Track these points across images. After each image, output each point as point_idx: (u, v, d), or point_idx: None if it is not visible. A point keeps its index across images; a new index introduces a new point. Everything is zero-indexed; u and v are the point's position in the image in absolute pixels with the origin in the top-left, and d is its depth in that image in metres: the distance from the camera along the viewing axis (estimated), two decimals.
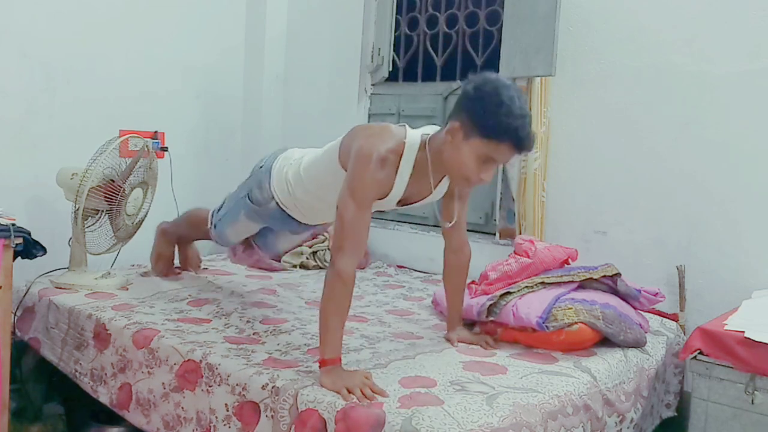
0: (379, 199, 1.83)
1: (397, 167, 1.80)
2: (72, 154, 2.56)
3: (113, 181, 2.49)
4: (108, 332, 2.13)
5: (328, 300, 1.70)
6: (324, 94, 3.58)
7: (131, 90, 3.13)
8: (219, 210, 2.46)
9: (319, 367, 1.68)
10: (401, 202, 1.93)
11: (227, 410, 1.76)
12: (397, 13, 3.43)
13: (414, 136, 1.84)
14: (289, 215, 2.24)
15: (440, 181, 1.92)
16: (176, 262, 2.85)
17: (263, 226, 2.40)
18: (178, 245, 2.82)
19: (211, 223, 2.48)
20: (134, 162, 2.55)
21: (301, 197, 2.12)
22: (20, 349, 2.42)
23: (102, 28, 3.03)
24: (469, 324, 2.17)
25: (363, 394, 1.57)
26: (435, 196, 1.97)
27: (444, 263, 2.12)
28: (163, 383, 1.93)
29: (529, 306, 2.04)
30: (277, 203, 2.21)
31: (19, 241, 2.09)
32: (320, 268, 3.08)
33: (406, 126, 1.87)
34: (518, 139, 1.66)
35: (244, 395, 1.72)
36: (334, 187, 1.83)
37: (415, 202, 1.97)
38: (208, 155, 3.53)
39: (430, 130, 1.87)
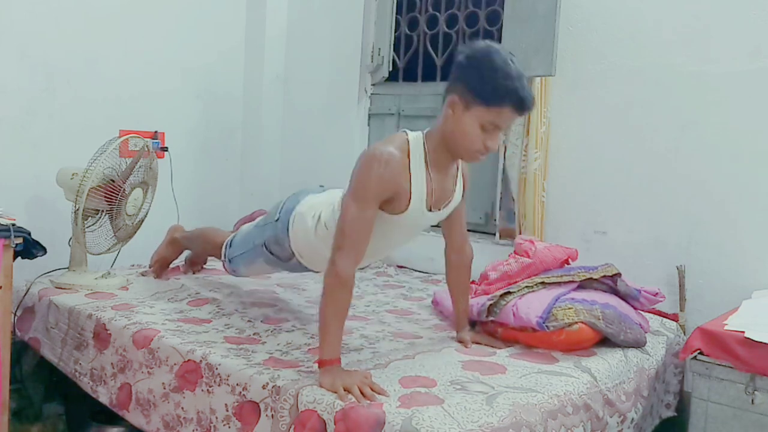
0: (403, 209, 1.79)
1: (409, 166, 1.77)
2: (72, 154, 2.57)
3: (113, 181, 2.49)
4: (108, 332, 2.13)
5: (328, 301, 1.69)
6: (324, 94, 3.58)
7: (131, 90, 3.13)
8: (232, 244, 2.37)
9: (318, 367, 1.68)
10: (433, 207, 1.86)
11: (227, 410, 1.76)
12: (397, 13, 3.43)
13: (415, 133, 1.83)
14: (311, 269, 2.21)
15: (457, 173, 1.91)
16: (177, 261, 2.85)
17: (282, 270, 2.36)
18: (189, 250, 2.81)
19: (225, 256, 2.39)
20: (134, 162, 2.55)
21: (326, 253, 1.85)
22: (20, 349, 2.42)
23: (102, 28, 3.03)
24: (470, 324, 2.17)
25: (362, 393, 1.57)
26: (459, 193, 1.94)
27: (446, 264, 2.10)
28: (163, 383, 1.93)
29: (529, 306, 2.04)
30: (298, 260, 2.16)
31: (19, 241, 2.09)
32: None
33: (405, 130, 1.86)
34: (519, 100, 1.66)
35: (244, 395, 1.72)
36: None
37: (447, 203, 1.91)
38: (208, 155, 3.53)
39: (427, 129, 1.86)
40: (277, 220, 2.17)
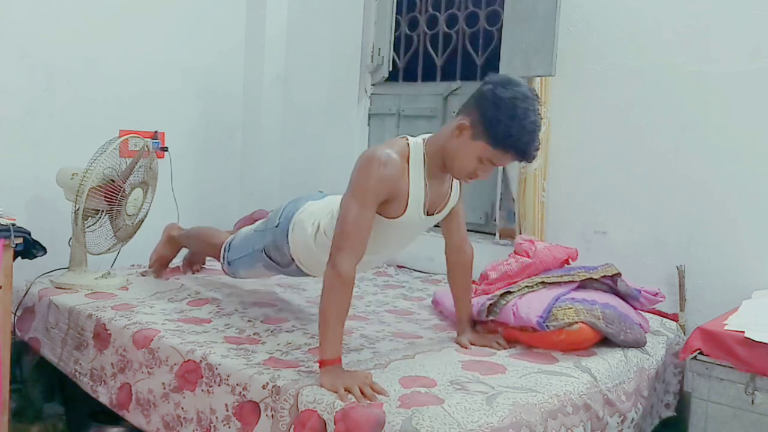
0: (401, 213, 1.81)
1: (408, 171, 1.79)
2: (72, 154, 2.57)
3: (113, 181, 2.49)
4: (108, 332, 2.13)
5: (328, 300, 1.70)
6: (324, 94, 3.58)
7: (131, 90, 3.13)
8: (231, 247, 2.37)
9: (319, 367, 1.68)
10: (429, 211, 1.89)
11: (227, 410, 1.76)
12: (397, 13, 3.43)
13: (415, 138, 1.85)
14: (310, 275, 2.22)
15: (453, 180, 1.93)
16: (178, 260, 2.85)
17: (281, 275, 2.36)
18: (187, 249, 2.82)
19: (224, 258, 2.39)
20: (134, 162, 2.55)
21: (325, 259, 1.81)
22: (20, 349, 2.42)
23: (102, 28, 3.03)
24: (471, 325, 2.17)
25: (362, 393, 1.57)
26: (455, 195, 1.96)
27: (447, 264, 2.11)
28: (163, 383, 1.93)
29: (530, 306, 2.04)
30: (297, 267, 2.18)
31: (19, 241, 2.09)
32: None
33: (406, 135, 1.88)
34: (523, 152, 1.70)
35: (244, 395, 1.72)
36: None
37: (443, 208, 1.94)
38: (208, 155, 3.53)
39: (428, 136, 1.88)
40: (276, 226, 2.18)
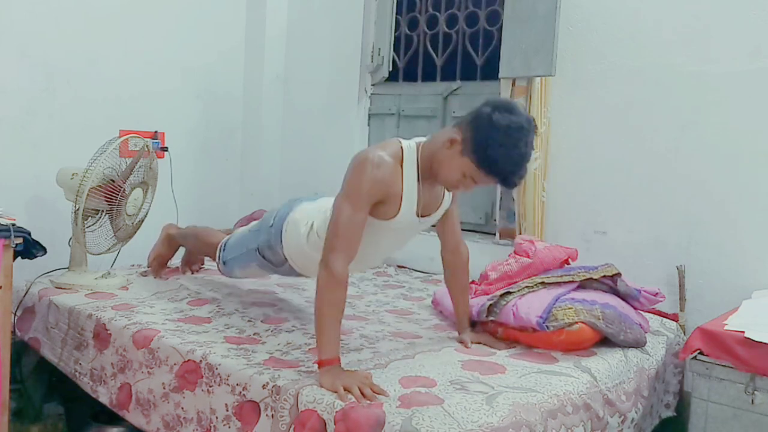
0: (394, 214, 1.83)
1: (401, 172, 1.81)
2: (72, 154, 2.57)
3: (113, 181, 2.49)
4: (108, 332, 2.13)
5: (322, 300, 1.71)
6: (324, 94, 3.59)
7: (131, 90, 3.14)
8: (226, 247, 2.39)
9: (318, 368, 1.68)
10: (423, 213, 1.90)
11: (227, 410, 1.76)
12: (397, 13, 3.43)
13: (409, 142, 1.86)
14: (303, 274, 2.24)
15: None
16: (177, 260, 2.85)
17: (276, 274, 2.39)
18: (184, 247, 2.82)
19: (219, 258, 2.41)
20: (134, 162, 2.55)
21: (318, 259, 1.83)
22: (20, 349, 2.42)
23: (102, 28, 3.03)
24: (471, 324, 2.17)
25: (362, 393, 1.57)
26: (448, 198, 1.98)
27: (443, 265, 2.12)
28: (163, 383, 1.93)
29: (530, 306, 2.04)
30: (291, 266, 2.20)
31: (19, 241, 2.10)
32: None
33: (399, 138, 1.89)
34: (504, 179, 1.74)
35: (244, 395, 1.72)
36: None
37: (437, 209, 1.96)
38: (208, 155, 3.53)
39: (422, 139, 1.89)
40: (271, 226, 2.20)
